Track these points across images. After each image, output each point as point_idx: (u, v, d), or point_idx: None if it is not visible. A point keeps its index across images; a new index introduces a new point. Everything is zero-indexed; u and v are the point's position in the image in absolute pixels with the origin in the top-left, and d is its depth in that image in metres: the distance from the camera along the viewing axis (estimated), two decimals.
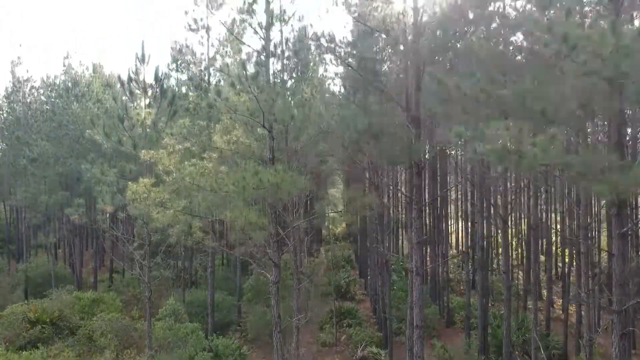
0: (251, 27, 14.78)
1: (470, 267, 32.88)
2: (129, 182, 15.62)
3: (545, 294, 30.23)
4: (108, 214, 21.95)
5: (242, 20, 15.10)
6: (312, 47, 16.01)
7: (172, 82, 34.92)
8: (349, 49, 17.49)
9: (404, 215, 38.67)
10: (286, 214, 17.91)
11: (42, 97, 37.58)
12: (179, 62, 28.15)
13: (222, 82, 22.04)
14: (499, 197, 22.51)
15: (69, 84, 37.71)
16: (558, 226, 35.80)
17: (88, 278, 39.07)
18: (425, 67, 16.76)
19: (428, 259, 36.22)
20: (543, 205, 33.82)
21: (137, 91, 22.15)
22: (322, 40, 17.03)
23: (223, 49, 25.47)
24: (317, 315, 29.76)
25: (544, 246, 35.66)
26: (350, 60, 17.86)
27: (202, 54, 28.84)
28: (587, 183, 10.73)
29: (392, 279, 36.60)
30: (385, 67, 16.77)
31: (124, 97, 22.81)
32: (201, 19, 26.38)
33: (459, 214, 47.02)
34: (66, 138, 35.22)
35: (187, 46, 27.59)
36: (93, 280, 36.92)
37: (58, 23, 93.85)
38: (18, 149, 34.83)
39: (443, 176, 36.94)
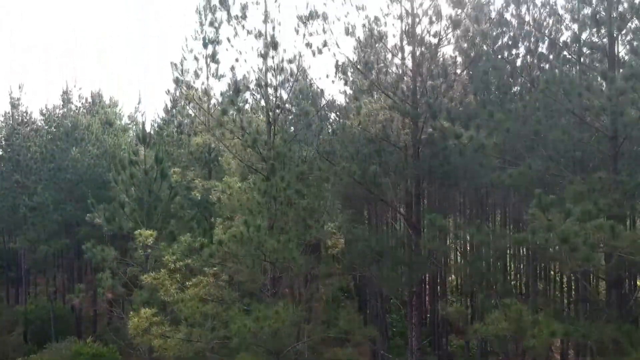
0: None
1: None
2: (130, 313, 15.71)
3: None
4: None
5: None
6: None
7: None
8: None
9: None
10: None
11: (42, 137, 37.41)
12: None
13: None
14: None
15: (68, 124, 37.61)
16: None
17: (88, 312, 39.24)
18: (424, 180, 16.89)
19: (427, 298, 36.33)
20: None
21: (139, 174, 22.17)
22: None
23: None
24: None
25: None
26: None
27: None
28: None
29: (391, 317, 36.93)
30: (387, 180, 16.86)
31: (122, 177, 22.70)
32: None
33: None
34: (66, 182, 35.21)
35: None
36: (93, 321, 37.18)
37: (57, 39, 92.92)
38: (17, 193, 34.80)
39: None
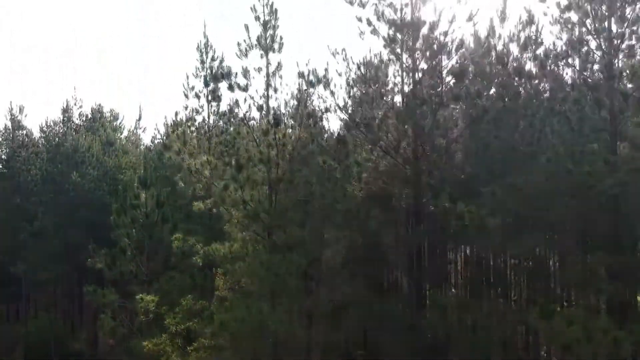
0: None
1: None
2: None
3: None
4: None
5: None
6: None
7: None
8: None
9: None
10: None
11: (42, 160, 37.36)
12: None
13: None
14: None
15: (69, 147, 37.57)
16: None
17: (90, 328, 39.32)
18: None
19: None
20: None
21: (140, 219, 22.23)
22: None
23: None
24: None
25: None
26: None
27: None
28: None
29: None
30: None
31: (124, 220, 22.69)
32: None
33: None
34: (66, 206, 35.24)
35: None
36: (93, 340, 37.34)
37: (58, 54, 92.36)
38: (18, 217, 34.81)
39: None
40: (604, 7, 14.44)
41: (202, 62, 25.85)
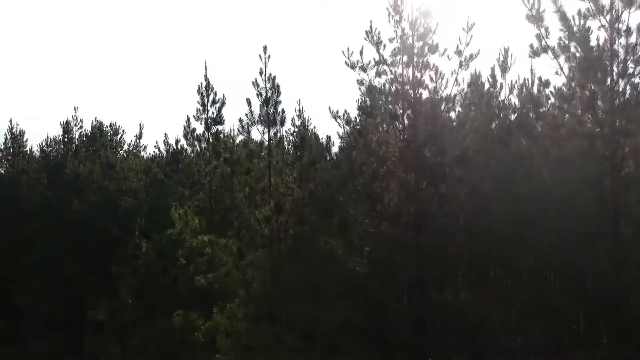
0: None
1: None
2: None
3: None
4: None
5: None
6: None
7: None
8: None
9: None
10: None
11: (43, 185, 37.29)
12: None
13: None
14: None
15: (69, 174, 37.50)
16: None
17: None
18: None
19: None
20: None
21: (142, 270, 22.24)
22: None
23: None
24: None
25: None
26: None
27: None
28: None
29: None
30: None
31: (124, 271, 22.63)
32: None
33: None
34: (66, 234, 35.18)
35: None
36: None
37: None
38: (18, 245, 34.79)
39: None
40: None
41: (203, 104, 25.71)
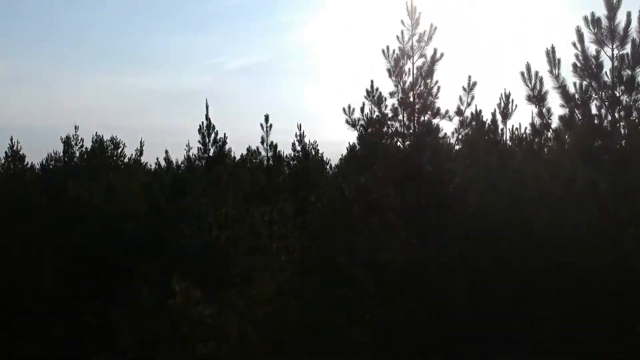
0: None
1: None
2: None
3: None
4: None
5: None
6: None
7: None
8: None
9: None
10: None
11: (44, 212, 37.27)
12: None
13: None
14: None
15: (69, 194, 37.46)
16: None
17: None
18: None
19: None
20: None
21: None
22: None
23: None
24: None
25: None
26: None
27: None
28: None
29: None
30: None
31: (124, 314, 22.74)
32: None
33: None
34: (67, 259, 35.21)
35: None
36: None
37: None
38: (19, 272, 34.80)
39: None
40: None
41: (204, 144, 25.75)
